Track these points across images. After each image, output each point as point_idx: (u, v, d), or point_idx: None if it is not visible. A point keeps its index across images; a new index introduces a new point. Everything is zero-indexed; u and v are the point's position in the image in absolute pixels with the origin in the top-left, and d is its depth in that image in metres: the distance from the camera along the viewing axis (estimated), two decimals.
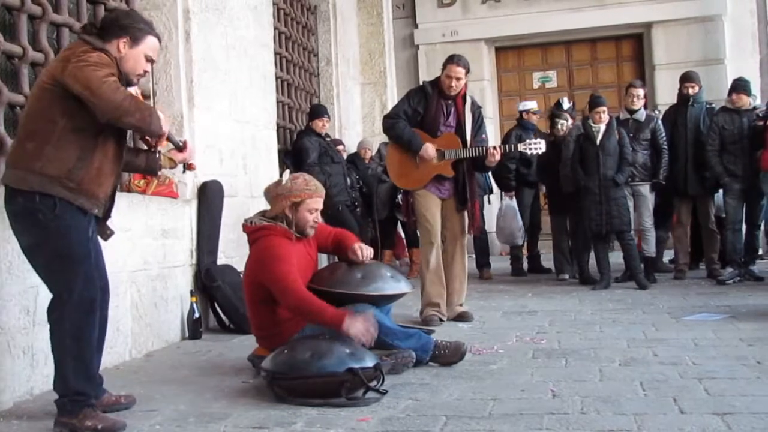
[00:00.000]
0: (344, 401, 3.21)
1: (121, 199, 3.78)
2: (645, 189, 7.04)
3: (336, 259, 4.40)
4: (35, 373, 3.58)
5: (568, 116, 7.59)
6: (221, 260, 5.44)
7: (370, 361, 3.34)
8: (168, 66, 5.22)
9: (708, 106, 7.30)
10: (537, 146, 5.38)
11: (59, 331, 3.00)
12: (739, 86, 6.90)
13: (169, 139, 3.23)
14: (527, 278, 8.05)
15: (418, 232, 5.61)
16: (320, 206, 3.88)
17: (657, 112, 8.03)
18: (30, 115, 3.05)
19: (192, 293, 5.07)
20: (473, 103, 5.43)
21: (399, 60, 11.17)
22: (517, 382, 3.50)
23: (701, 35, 10.71)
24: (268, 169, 6.46)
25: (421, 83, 5.73)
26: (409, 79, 11.09)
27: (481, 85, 11.26)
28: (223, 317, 5.30)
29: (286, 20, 8.22)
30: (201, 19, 5.46)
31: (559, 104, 7.79)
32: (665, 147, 7.01)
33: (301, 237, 3.84)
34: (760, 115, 6.76)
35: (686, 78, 7.28)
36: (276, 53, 7.35)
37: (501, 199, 8.62)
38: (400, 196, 6.84)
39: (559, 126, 7.49)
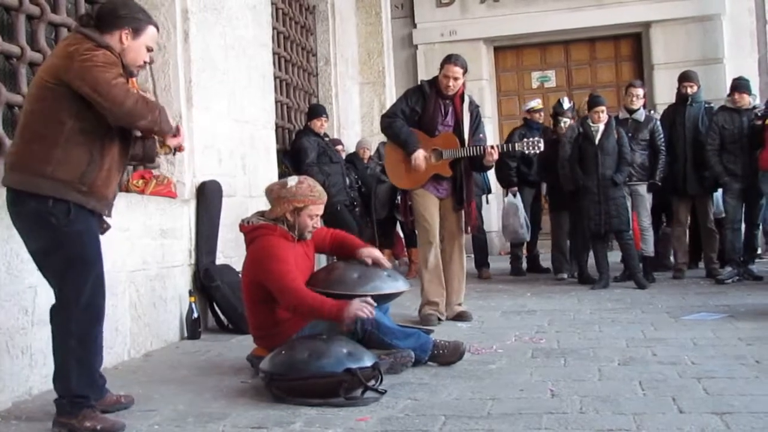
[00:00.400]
0: (343, 401, 3.20)
1: (120, 199, 3.77)
2: (643, 189, 7.04)
3: (335, 260, 4.40)
4: (34, 373, 3.57)
5: (569, 115, 7.60)
6: (220, 260, 5.43)
7: (368, 361, 3.34)
8: (166, 66, 5.21)
9: (707, 105, 7.30)
10: (535, 145, 5.38)
11: (64, 333, 2.97)
12: (741, 86, 6.90)
13: (149, 129, 3.20)
14: (526, 278, 8.05)
15: (416, 232, 5.61)
16: (321, 212, 3.90)
17: (653, 112, 8.02)
18: (34, 116, 2.96)
19: (191, 293, 5.07)
20: (471, 102, 5.43)
21: (398, 60, 11.17)
22: (516, 382, 3.50)
23: (700, 34, 10.72)
24: (266, 169, 6.45)
25: (419, 83, 5.73)
26: (408, 78, 11.09)
27: (480, 85, 11.27)
28: (222, 317, 5.30)
29: (285, 20, 8.22)
30: (199, 18, 5.45)
31: (560, 103, 7.80)
32: (663, 148, 7.01)
33: (299, 239, 3.85)
34: (759, 114, 6.77)
35: (685, 77, 7.28)
36: (275, 53, 7.34)
37: (504, 197, 8.62)
38: (399, 196, 6.84)
39: (562, 124, 7.51)
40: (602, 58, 11.69)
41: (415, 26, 11.71)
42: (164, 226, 4.89)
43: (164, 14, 5.16)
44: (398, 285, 3.93)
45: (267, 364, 3.41)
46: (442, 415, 3.01)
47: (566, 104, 7.72)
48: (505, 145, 5.73)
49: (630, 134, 6.93)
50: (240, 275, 4.30)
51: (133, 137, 3.15)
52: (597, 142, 6.71)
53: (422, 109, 5.29)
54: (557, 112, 7.68)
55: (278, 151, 7.12)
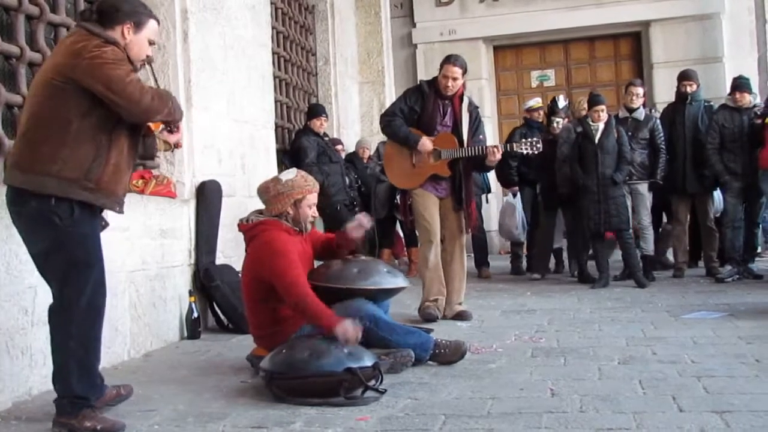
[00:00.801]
0: (343, 400, 3.20)
1: None
2: (643, 187, 7.04)
3: None
4: (33, 373, 3.57)
5: (562, 114, 7.59)
6: (220, 260, 5.43)
7: (368, 361, 3.34)
8: (166, 66, 5.21)
9: (706, 104, 7.30)
10: (534, 146, 5.36)
11: (64, 334, 2.95)
12: (741, 85, 6.90)
13: (164, 121, 3.22)
14: (526, 277, 8.04)
15: (416, 231, 5.60)
16: (317, 200, 3.93)
17: (653, 111, 8.02)
18: (40, 115, 2.91)
19: (190, 293, 5.07)
20: (470, 103, 5.43)
21: (397, 59, 11.17)
22: (516, 381, 3.50)
23: (699, 33, 10.72)
24: (266, 168, 6.45)
25: (418, 82, 5.73)
26: (408, 78, 11.09)
27: (480, 84, 11.26)
28: (222, 317, 5.30)
29: (284, 20, 8.22)
30: (199, 18, 5.45)
31: (555, 102, 7.78)
32: (663, 147, 7.01)
33: (300, 232, 3.86)
34: (759, 113, 6.77)
35: (684, 76, 7.28)
36: (274, 53, 7.34)
37: (503, 197, 8.62)
38: (399, 196, 6.84)
39: (555, 124, 7.50)
40: (602, 57, 11.68)
41: (414, 26, 11.71)
42: (164, 226, 4.89)
43: (164, 14, 5.15)
44: (398, 281, 3.94)
45: (267, 362, 3.41)
46: (442, 414, 3.01)
47: (561, 103, 7.68)
48: (505, 145, 5.72)
49: (630, 133, 6.93)
50: (240, 275, 4.30)
51: (140, 133, 3.13)
52: (597, 141, 6.70)
53: (421, 108, 5.29)
54: (551, 111, 7.67)
55: (278, 151, 7.13)
